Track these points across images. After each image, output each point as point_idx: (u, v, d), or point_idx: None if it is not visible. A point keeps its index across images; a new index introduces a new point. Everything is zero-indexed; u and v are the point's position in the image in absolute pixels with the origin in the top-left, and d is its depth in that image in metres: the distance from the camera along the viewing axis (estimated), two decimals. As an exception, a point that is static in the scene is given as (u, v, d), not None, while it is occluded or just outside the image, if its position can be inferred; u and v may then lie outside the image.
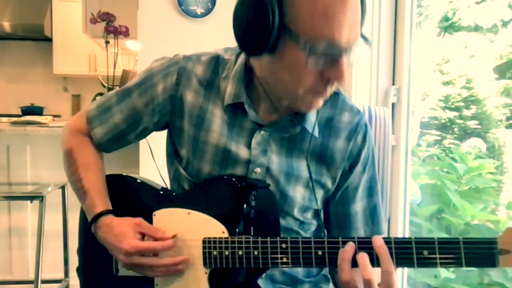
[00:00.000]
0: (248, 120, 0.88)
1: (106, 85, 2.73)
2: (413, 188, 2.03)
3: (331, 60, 0.74)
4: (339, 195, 0.93)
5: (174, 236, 0.84)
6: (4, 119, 3.55)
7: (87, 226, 0.89)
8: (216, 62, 0.91)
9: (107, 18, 2.55)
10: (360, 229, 0.94)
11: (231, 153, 0.88)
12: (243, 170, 0.88)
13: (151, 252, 0.82)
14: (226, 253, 0.81)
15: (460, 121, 2.42)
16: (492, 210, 2.20)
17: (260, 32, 0.73)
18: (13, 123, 2.50)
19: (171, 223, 0.87)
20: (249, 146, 0.88)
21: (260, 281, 0.89)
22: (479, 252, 0.69)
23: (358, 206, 0.94)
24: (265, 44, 0.73)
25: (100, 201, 0.89)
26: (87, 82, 4.82)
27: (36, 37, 4.68)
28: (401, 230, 1.69)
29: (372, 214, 0.95)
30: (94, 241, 0.88)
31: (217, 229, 0.83)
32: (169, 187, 1.00)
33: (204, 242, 0.83)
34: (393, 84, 1.72)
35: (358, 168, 0.92)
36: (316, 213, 0.95)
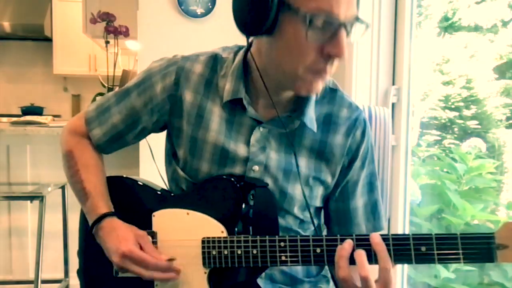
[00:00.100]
0: (247, 117, 0.88)
1: (106, 85, 2.73)
2: (413, 188, 2.03)
3: (331, 35, 0.74)
4: (339, 191, 0.94)
5: (170, 260, 0.83)
6: (4, 119, 3.55)
7: (88, 227, 0.89)
8: (214, 61, 0.92)
9: (107, 18, 2.55)
10: (361, 225, 0.95)
11: (229, 151, 0.88)
12: (241, 168, 0.88)
13: (143, 264, 0.81)
14: (225, 252, 0.81)
15: (460, 121, 2.42)
16: (492, 210, 2.20)
17: (260, 9, 0.73)
18: (13, 123, 2.51)
19: (171, 223, 0.87)
20: (248, 143, 0.88)
21: (259, 281, 0.89)
22: (477, 247, 0.69)
23: (359, 201, 0.94)
24: (265, 21, 0.74)
25: (103, 203, 0.89)
26: (87, 82, 4.82)
27: (36, 37, 4.68)
28: (401, 230, 1.69)
29: (373, 209, 0.95)
30: (94, 243, 0.88)
31: (216, 229, 0.83)
32: (168, 189, 1.00)
33: (203, 242, 0.83)
34: (393, 84, 1.72)
35: (357, 163, 0.92)
36: (317, 211, 0.95)
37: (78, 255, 1.01)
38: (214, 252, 0.82)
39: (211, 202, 0.86)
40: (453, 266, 1.96)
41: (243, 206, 0.84)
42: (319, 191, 0.92)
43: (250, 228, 0.84)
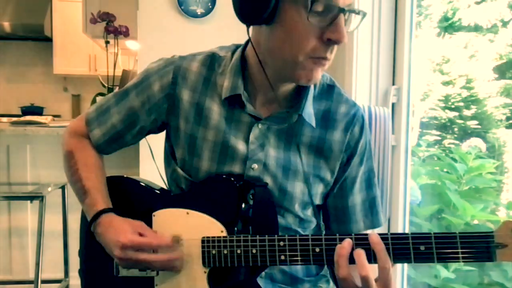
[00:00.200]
0: (245, 113, 0.88)
1: (106, 85, 2.73)
2: (413, 188, 2.03)
3: (330, 20, 0.75)
4: (338, 188, 0.94)
5: (174, 237, 0.84)
6: (4, 119, 3.56)
7: (88, 226, 0.89)
8: (211, 59, 0.92)
9: (107, 18, 2.55)
10: (359, 222, 0.95)
11: (229, 148, 0.88)
12: (240, 167, 0.88)
13: (147, 247, 0.82)
14: (225, 252, 0.81)
15: (460, 121, 2.42)
16: (492, 210, 2.20)
17: None
18: (13, 123, 2.51)
19: (171, 223, 0.87)
20: (247, 140, 0.88)
21: (259, 281, 0.89)
22: (476, 246, 0.69)
23: (357, 198, 0.94)
24: (265, 9, 0.74)
25: (101, 200, 0.89)
26: (87, 82, 4.82)
27: (36, 37, 4.69)
28: (401, 230, 1.69)
29: (372, 206, 0.96)
30: (95, 242, 0.88)
31: (216, 229, 0.83)
32: (168, 189, 1.01)
33: (203, 241, 0.83)
34: (393, 84, 1.72)
35: (356, 160, 0.93)
36: (316, 210, 0.95)
37: (79, 255, 1.01)
38: (213, 252, 0.82)
39: (210, 202, 0.86)
40: (453, 266, 1.96)
41: (243, 205, 0.85)
42: (319, 189, 0.92)
43: (250, 227, 0.84)
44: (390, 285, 0.72)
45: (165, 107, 0.92)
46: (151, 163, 1.08)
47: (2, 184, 2.39)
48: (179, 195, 0.94)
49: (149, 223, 0.88)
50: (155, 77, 0.93)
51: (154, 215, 0.89)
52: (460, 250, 0.69)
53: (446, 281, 1.99)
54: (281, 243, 0.78)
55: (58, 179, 2.26)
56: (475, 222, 2.11)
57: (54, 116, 4.09)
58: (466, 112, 2.42)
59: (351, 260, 0.73)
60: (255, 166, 0.87)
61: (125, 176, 0.99)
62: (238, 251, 0.80)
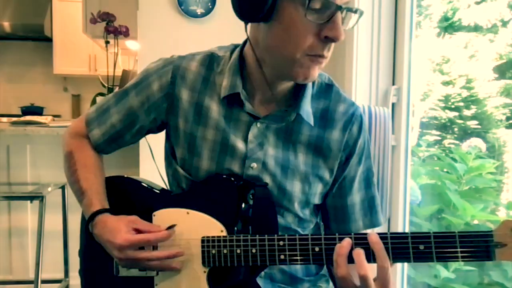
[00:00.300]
0: (244, 112, 0.89)
1: (106, 85, 2.73)
2: (413, 188, 2.03)
3: (328, 18, 0.75)
4: (337, 187, 0.94)
5: (170, 227, 0.84)
6: (4, 119, 3.55)
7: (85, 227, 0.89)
8: (210, 59, 0.93)
9: (107, 18, 2.55)
10: (359, 221, 0.95)
11: (228, 147, 0.88)
12: (240, 166, 0.88)
13: (145, 244, 0.82)
14: (225, 251, 0.81)
15: (460, 121, 2.42)
16: (492, 210, 2.20)
17: None
18: (13, 123, 2.51)
19: (171, 223, 0.87)
20: (246, 139, 0.88)
21: (259, 280, 0.89)
22: (475, 245, 0.69)
23: (356, 197, 0.95)
24: (264, 6, 0.75)
25: (97, 200, 0.90)
26: (87, 82, 4.82)
27: (36, 37, 4.69)
28: (401, 230, 1.69)
29: (371, 205, 0.96)
30: (94, 242, 0.88)
31: (215, 228, 0.83)
32: (168, 189, 1.01)
33: (203, 241, 0.83)
34: (393, 84, 1.72)
35: (354, 159, 0.93)
36: (315, 209, 0.95)
37: (79, 255, 1.01)
38: (213, 251, 0.82)
39: (211, 202, 0.86)
40: (453, 266, 1.96)
41: (243, 205, 0.85)
42: (318, 188, 0.92)
43: (250, 227, 0.84)
44: (389, 285, 0.72)
45: (165, 106, 0.92)
46: (151, 163, 1.08)
47: (2, 184, 2.39)
48: (179, 195, 0.94)
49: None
50: (154, 77, 0.93)
51: (154, 215, 0.89)
52: (459, 250, 0.69)
53: (446, 281, 1.99)
54: (281, 243, 0.78)
55: (58, 179, 2.26)
56: (475, 222, 2.11)
57: (54, 116, 4.08)
58: (466, 112, 2.42)
59: (350, 259, 0.73)
60: (254, 165, 0.88)
61: (125, 176, 0.99)
62: (238, 251, 0.80)
